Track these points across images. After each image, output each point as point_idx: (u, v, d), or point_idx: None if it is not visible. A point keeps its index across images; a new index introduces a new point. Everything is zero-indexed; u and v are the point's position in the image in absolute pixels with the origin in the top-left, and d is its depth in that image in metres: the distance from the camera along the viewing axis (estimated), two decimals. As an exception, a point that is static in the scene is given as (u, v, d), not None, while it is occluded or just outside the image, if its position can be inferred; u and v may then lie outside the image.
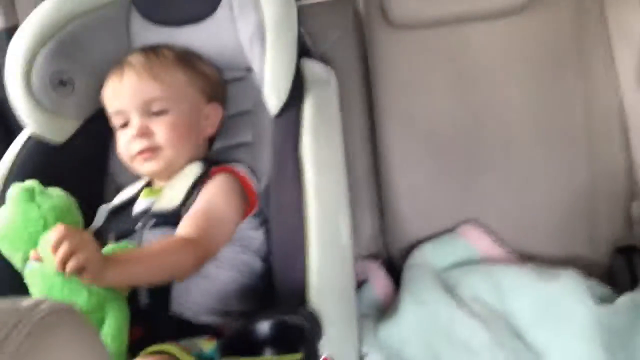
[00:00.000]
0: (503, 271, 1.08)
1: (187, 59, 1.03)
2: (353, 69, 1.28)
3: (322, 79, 1.04)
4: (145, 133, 0.96)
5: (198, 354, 0.85)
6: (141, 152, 0.97)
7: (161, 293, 0.90)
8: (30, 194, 0.81)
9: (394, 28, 1.22)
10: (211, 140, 1.07)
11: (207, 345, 0.87)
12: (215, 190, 0.95)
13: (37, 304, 0.35)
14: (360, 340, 1.01)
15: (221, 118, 1.06)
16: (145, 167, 0.98)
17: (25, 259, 0.80)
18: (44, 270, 0.76)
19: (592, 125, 1.17)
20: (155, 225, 0.93)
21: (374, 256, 1.30)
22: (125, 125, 0.99)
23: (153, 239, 0.92)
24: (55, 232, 0.71)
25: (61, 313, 0.36)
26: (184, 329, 0.89)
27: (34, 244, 0.78)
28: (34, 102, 1.01)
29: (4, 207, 0.82)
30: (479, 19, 1.19)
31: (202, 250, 0.86)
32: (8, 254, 0.82)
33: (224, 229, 0.93)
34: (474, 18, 1.19)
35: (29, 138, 1.05)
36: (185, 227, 0.89)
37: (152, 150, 0.97)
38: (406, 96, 1.24)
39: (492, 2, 1.18)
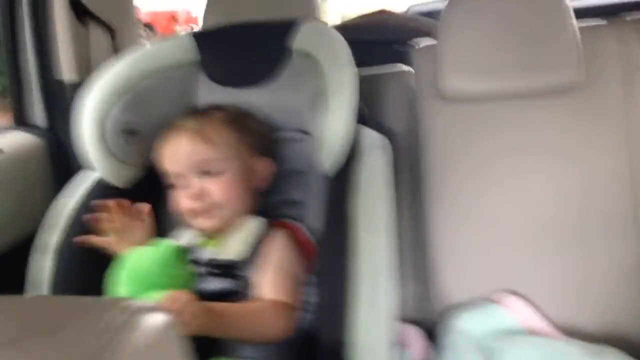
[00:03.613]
0: (548, 344, 1.08)
1: (236, 117, 1.07)
2: (402, 138, 1.32)
3: (377, 146, 1.08)
4: (201, 195, 1.00)
5: None
6: (198, 212, 1.01)
7: (206, 339, 0.93)
8: (182, 254, 0.93)
9: (445, 101, 1.26)
10: (262, 193, 1.10)
11: None
12: (284, 250, 1.00)
13: (129, 304, 0.39)
14: (397, 404, 1.02)
15: (272, 172, 1.09)
16: (202, 224, 1.02)
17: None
18: None
19: (638, 206, 1.18)
20: (214, 274, 0.97)
21: (413, 321, 1.31)
22: (181, 184, 1.03)
23: (208, 287, 0.96)
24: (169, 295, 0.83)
25: (153, 314, 0.39)
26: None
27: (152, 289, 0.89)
28: (105, 150, 1.07)
29: (150, 251, 0.93)
30: (532, 96, 1.23)
31: (292, 314, 0.93)
32: (127, 286, 0.91)
33: (298, 289, 0.98)
34: (526, 95, 1.23)
35: (98, 180, 1.11)
36: (271, 290, 0.94)
37: (209, 210, 1.00)
38: (453, 167, 1.27)
39: (545, 81, 1.21)
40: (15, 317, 0.38)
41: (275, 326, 0.91)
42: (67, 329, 0.36)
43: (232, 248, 0.99)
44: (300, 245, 1.03)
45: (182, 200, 1.02)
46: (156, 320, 0.39)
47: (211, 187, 1.00)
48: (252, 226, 1.02)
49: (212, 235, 1.05)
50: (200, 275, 0.98)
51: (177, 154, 1.02)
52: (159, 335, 0.39)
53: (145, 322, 0.38)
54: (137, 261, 0.91)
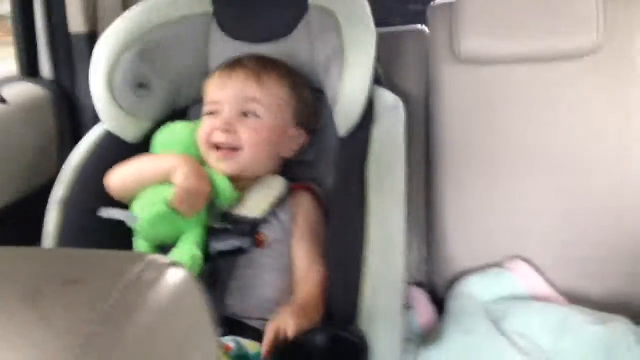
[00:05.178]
0: (552, 310, 1.09)
1: (294, 80, 1.06)
2: (415, 99, 1.30)
3: (391, 107, 1.06)
4: (229, 130, 0.99)
5: (242, 355, 0.88)
6: (220, 148, 0.99)
7: (216, 295, 0.94)
8: None
9: (460, 62, 1.24)
10: (290, 163, 1.08)
11: (253, 347, 0.90)
12: (315, 215, 1.01)
13: (153, 259, 0.38)
14: (402, 364, 1.03)
15: (303, 145, 1.07)
16: (219, 166, 1.00)
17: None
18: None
19: None
20: (228, 230, 0.97)
21: (418, 283, 1.32)
22: (213, 114, 1.01)
23: (220, 244, 0.96)
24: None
25: (176, 270, 0.39)
26: (231, 328, 0.93)
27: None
28: (114, 102, 1.06)
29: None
30: (547, 59, 1.21)
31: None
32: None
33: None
34: (544, 58, 1.21)
35: (107, 133, 1.10)
36: (310, 260, 0.97)
37: (232, 150, 0.99)
38: (464, 129, 1.26)
39: (562, 44, 1.19)
40: (35, 268, 0.38)
41: (323, 293, 0.93)
42: (89, 282, 0.36)
43: (251, 205, 0.99)
44: (321, 207, 1.03)
45: (209, 130, 1.01)
46: (179, 276, 0.38)
47: (241, 127, 0.99)
48: (274, 185, 1.01)
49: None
50: (214, 229, 0.98)
51: (227, 82, 1.02)
52: (182, 291, 0.38)
53: (168, 278, 0.37)
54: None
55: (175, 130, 1.05)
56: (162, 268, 0.37)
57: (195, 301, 0.40)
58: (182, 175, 0.94)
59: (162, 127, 1.07)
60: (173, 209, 0.93)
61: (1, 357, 0.30)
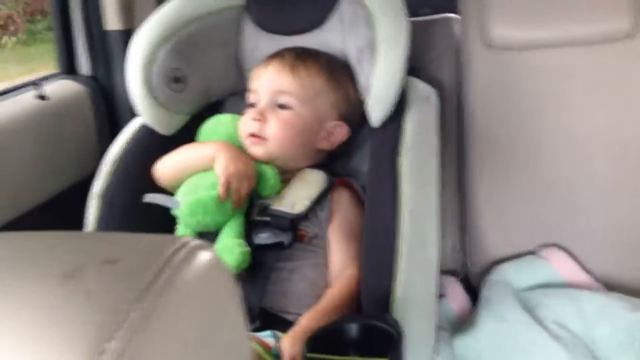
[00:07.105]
0: (588, 297, 1.08)
1: (335, 74, 1.05)
2: (447, 88, 1.29)
3: (424, 97, 1.06)
4: (260, 119, 1.01)
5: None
6: (250, 136, 1.02)
7: (255, 288, 0.96)
8: None
9: (492, 49, 1.23)
10: (333, 155, 1.09)
11: None
12: (354, 212, 1.02)
13: (185, 241, 0.39)
14: (436, 351, 1.03)
15: (345, 140, 1.07)
16: (252, 150, 1.03)
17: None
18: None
19: None
20: (266, 224, 0.98)
21: (451, 272, 1.32)
22: (253, 105, 1.05)
23: (258, 239, 0.98)
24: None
25: (206, 252, 0.40)
26: (269, 321, 0.94)
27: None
28: (150, 96, 1.08)
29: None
30: (579, 44, 1.19)
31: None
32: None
33: None
34: (574, 43, 1.19)
35: (142, 126, 1.13)
36: (348, 260, 0.98)
37: (260, 137, 1.02)
38: (497, 117, 1.25)
39: (594, 28, 1.17)
40: (73, 250, 0.39)
41: (354, 296, 0.94)
42: (127, 262, 0.37)
43: (292, 200, 1.00)
44: (360, 204, 1.04)
45: (245, 118, 1.04)
46: (208, 257, 0.39)
47: (272, 118, 1.01)
48: (314, 181, 1.02)
49: None
50: (253, 222, 0.99)
51: (262, 74, 1.05)
52: (211, 272, 0.40)
53: (198, 259, 0.39)
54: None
55: (220, 121, 1.09)
56: (193, 250, 0.39)
57: (223, 282, 0.41)
58: (222, 161, 0.97)
59: (206, 119, 1.10)
60: (215, 196, 0.95)
61: (40, 331, 0.31)
